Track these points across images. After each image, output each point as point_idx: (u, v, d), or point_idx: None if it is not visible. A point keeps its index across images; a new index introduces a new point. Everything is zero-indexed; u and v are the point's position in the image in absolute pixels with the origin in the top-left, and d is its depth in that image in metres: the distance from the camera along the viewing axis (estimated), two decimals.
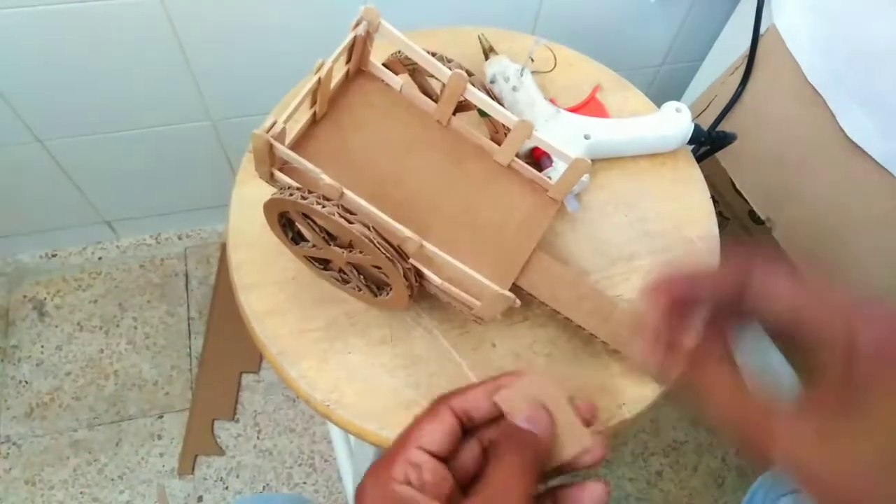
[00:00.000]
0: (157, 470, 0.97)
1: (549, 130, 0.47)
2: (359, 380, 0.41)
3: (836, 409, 0.25)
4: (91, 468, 0.96)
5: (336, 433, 0.94)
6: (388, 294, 0.40)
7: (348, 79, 0.42)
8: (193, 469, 0.97)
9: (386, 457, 0.30)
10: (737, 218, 0.85)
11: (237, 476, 0.97)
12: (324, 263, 0.41)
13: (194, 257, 1.13)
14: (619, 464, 1.03)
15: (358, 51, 0.41)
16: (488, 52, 0.52)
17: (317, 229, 0.37)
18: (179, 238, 1.15)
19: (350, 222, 0.34)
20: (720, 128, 0.77)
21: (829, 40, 0.64)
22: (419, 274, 0.38)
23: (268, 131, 0.35)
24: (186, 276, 1.12)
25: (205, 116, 0.90)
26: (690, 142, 0.51)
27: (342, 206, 0.35)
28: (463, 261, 0.34)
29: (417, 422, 0.31)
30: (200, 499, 0.96)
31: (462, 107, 0.43)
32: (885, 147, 0.63)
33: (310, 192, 0.35)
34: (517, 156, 0.42)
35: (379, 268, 0.37)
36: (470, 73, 0.40)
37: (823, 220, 0.73)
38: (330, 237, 0.38)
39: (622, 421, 0.41)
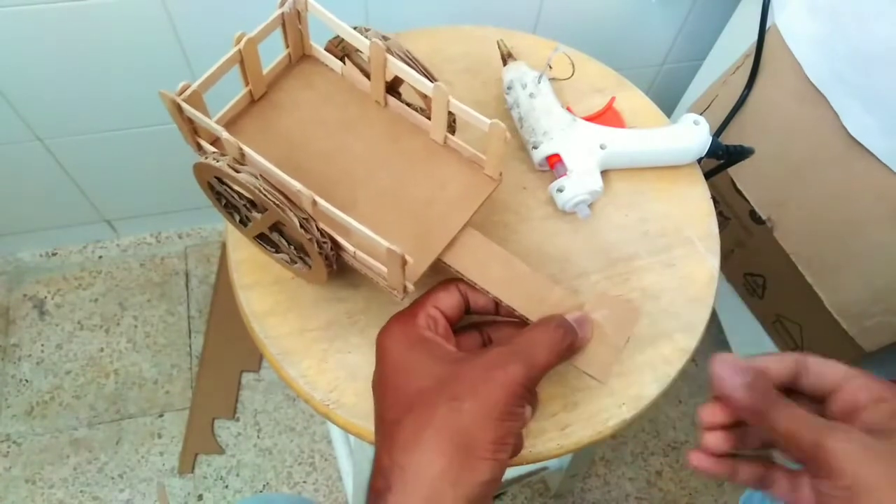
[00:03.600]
0: (157, 469, 0.97)
1: (566, 138, 0.47)
2: (359, 379, 0.41)
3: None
4: (91, 467, 0.97)
5: (336, 432, 0.94)
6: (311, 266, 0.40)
7: (291, 63, 0.43)
8: (194, 468, 0.97)
9: (408, 311, 0.36)
10: (737, 218, 0.84)
11: (237, 475, 0.97)
12: (275, 247, 0.41)
13: (194, 256, 1.13)
14: (619, 464, 1.03)
15: (293, 32, 0.41)
16: (507, 57, 0.51)
17: (235, 196, 0.37)
18: (180, 237, 1.15)
19: (238, 171, 0.35)
20: (723, 128, 0.77)
21: (829, 39, 0.64)
22: (336, 244, 0.38)
23: (180, 94, 0.35)
24: (187, 274, 1.12)
25: None
26: (707, 155, 0.50)
27: (238, 161, 0.35)
28: (386, 234, 0.34)
29: (431, 290, 0.38)
30: (200, 497, 0.96)
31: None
32: (888, 145, 0.63)
33: (220, 152, 0.36)
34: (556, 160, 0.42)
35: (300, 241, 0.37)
36: (386, 38, 0.40)
37: (825, 220, 0.73)
38: (253, 205, 0.38)
39: (622, 421, 0.41)
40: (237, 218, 0.40)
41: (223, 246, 1.14)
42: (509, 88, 0.50)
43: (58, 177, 0.95)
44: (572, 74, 0.54)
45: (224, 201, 0.40)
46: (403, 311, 0.37)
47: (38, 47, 0.75)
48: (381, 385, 0.34)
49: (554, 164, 0.47)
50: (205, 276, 1.12)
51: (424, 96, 0.40)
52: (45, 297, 1.08)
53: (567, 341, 0.34)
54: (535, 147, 0.48)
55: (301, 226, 0.35)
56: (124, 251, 1.13)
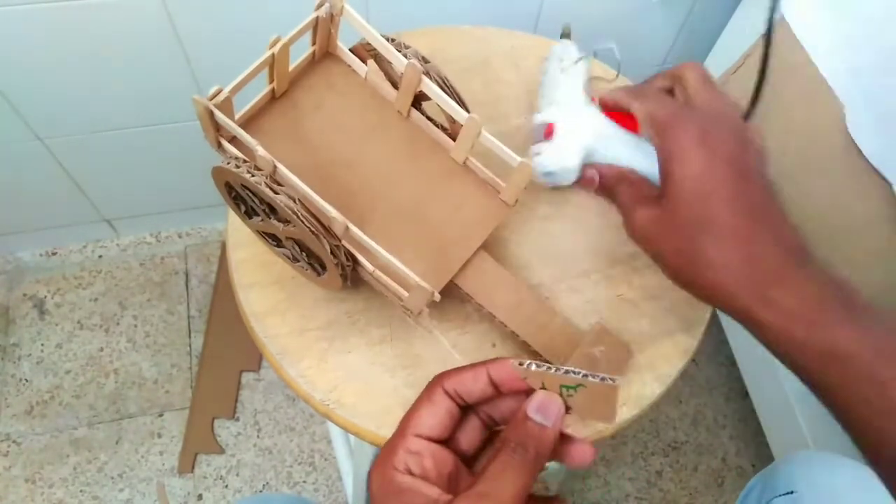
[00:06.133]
0: (157, 468, 0.97)
1: (569, 115, 0.46)
2: (358, 379, 0.41)
3: None
4: (91, 466, 0.97)
5: (336, 432, 0.94)
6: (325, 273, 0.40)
7: (314, 60, 0.42)
8: (193, 467, 0.97)
9: (389, 445, 0.31)
10: None
11: (237, 475, 0.97)
12: (277, 241, 0.41)
13: (194, 255, 1.13)
14: (619, 464, 1.03)
15: (323, 33, 0.41)
16: (566, 36, 0.51)
17: (257, 201, 0.37)
18: (180, 236, 1.15)
19: (276, 192, 0.34)
20: None
21: (850, 37, 0.63)
22: (353, 259, 0.37)
23: (212, 99, 0.35)
24: (187, 274, 1.12)
25: None
26: None
27: (272, 178, 0.35)
28: (401, 252, 0.34)
29: (415, 406, 0.32)
30: (200, 497, 0.96)
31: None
32: (882, 145, 0.63)
33: (251, 164, 0.36)
34: None
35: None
36: (426, 61, 0.39)
37: (824, 220, 0.73)
38: (272, 210, 0.38)
39: (622, 421, 0.41)
40: (243, 209, 0.40)
41: (223, 246, 1.14)
42: (547, 60, 0.48)
43: (58, 176, 0.95)
44: (616, 77, 0.54)
45: (234, 193, 0.40)
46: (385, 448, 0.31)
47: (38, 47, 0.75)
48: None
49: (548, 134, 0.46)
50: (205, 275, 1.12)
51: (452, 120, 0.40)
52: (45, 297, 1.08)
53: (532, 454, 0.28)
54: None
55: (331, 252, 0.35)
56: (124, 251, 1.13)
